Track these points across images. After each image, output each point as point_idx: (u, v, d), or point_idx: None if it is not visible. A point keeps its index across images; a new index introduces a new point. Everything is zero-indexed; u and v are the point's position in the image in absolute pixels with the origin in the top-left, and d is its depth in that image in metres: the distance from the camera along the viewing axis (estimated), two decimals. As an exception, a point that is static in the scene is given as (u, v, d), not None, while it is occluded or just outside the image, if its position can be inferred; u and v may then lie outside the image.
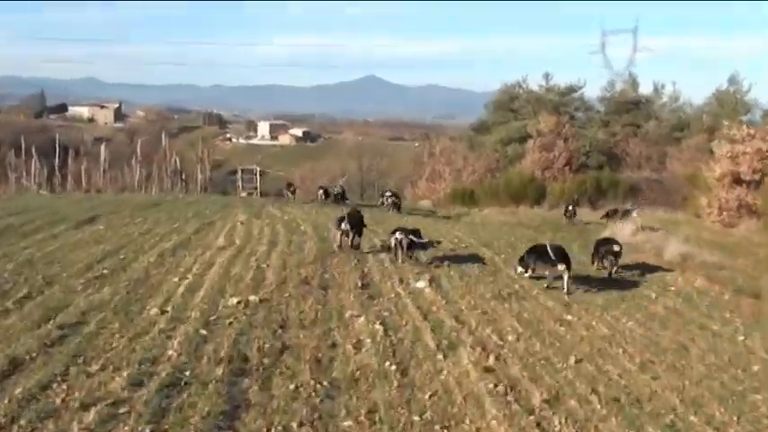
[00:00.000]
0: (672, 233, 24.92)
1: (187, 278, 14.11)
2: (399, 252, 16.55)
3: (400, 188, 65.98)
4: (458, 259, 17.47)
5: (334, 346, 10.53)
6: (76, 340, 10.00)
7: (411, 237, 16.59)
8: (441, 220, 29.94)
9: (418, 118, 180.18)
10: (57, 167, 47.53)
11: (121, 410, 7.79)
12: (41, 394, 8.10)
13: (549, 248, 15.08)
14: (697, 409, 9.07)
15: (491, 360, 10.13)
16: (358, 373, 9.44)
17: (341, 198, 34.66)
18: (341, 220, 17.76)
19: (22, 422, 7.44)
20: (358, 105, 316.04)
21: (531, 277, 15.66)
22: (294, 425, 7.84)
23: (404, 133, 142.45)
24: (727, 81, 67.95)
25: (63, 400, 7.96)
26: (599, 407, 8.85)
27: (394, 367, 9.66)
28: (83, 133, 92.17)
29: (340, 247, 17.62)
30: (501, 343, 11.04)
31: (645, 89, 73.99)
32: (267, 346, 10.23)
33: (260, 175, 48.93)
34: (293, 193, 36.90)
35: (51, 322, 10.71)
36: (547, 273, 15.37)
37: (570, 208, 31.92)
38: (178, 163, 48.71)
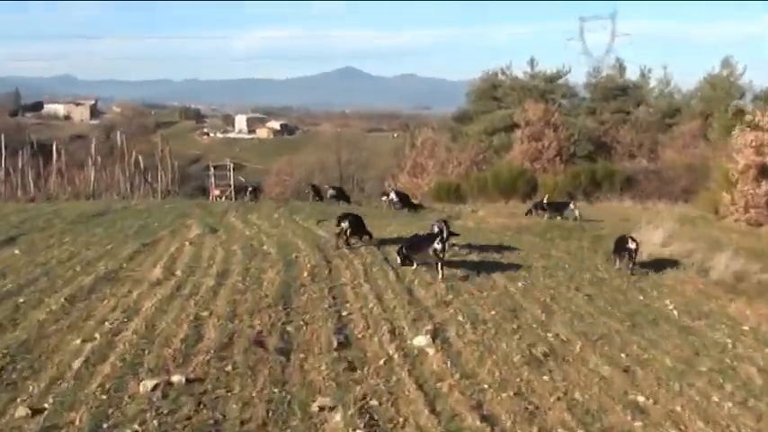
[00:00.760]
0: (694, 237, 21.24)
1: (94, 339, 10.04)
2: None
3: (381, 180, 62.49)
4: (465, 289, 13.53)
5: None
6: None
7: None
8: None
9: (396, 109, 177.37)
10: (5, 169, 42.77)
11: None
12: None
13: None
14: None
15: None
16: None
17: (340, 197, 30.22)
18: (341, 219, 16.58)
19: None
20: (335, 97, 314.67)
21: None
22: None
23: (382, 124, 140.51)
24: (720, 64, 65.20)
25: None
26: None
27: None
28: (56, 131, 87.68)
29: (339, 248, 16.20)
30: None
31: (632, 75, 71.11)
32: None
33: (233, 170, 46.18)
34: (317, 194, 32.22)
35: None
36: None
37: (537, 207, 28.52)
38: (142, 162, 44.20)
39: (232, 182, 43.90)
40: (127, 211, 25.55)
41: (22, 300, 12.07)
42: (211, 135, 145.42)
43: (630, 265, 16.57)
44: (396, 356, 9.76)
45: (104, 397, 8.10)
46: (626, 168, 51.25)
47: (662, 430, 8.09)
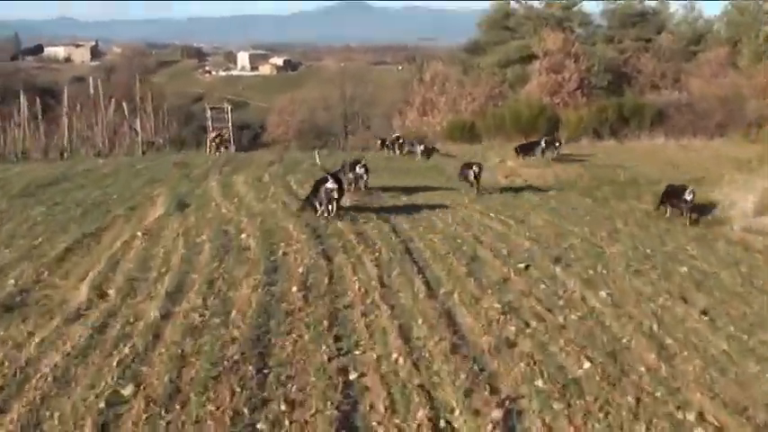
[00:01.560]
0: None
1: None
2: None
3: (388, 118, 58.19)
4: (532, 312, 9.38)
5: None
6: None
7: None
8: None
9: (402, 41, 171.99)
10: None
11: None
12: None
13: None
14: None
15: None
16: None
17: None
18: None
19: None
20: (340, 31, 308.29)
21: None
22: None
23: (386, 57, 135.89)
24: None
25: None
26: None
27: None
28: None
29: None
30: None
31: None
32: None
33: (231, 112, 43.26)
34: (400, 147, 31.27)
35: None
36: None
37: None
38: (126, 110, 40.20)
39: (230, 124, 41.32)
40: (88, 177, 21.93)
41: None
42: (213, 73, 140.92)
43: (689, 215, 16.43)
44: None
45: None
46: (655, 101, 46.96)
47: None
